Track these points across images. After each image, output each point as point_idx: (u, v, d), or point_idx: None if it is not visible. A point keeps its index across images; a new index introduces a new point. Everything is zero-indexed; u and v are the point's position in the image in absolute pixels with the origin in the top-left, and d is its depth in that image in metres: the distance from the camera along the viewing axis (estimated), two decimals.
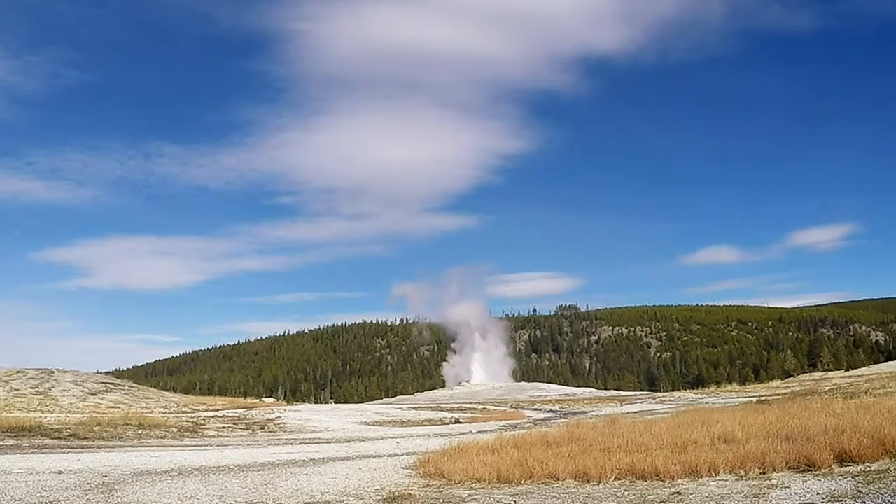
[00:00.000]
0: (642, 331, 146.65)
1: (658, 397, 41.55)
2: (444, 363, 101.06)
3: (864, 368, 51.38)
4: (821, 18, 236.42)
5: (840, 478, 7.11)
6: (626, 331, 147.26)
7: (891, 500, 6.01)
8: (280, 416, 23.76)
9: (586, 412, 29.19)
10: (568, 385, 79.07)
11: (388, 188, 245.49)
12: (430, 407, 36.23)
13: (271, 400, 52.01)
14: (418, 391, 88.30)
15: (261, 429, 20.89)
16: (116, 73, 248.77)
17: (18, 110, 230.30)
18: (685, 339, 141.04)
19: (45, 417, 19.79)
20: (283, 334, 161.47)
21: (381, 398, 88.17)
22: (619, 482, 7.88)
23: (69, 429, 17.23)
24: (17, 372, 32.73)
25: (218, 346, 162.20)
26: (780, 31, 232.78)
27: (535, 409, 34.26)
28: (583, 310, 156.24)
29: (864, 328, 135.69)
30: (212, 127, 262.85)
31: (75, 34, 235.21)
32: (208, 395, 69.14)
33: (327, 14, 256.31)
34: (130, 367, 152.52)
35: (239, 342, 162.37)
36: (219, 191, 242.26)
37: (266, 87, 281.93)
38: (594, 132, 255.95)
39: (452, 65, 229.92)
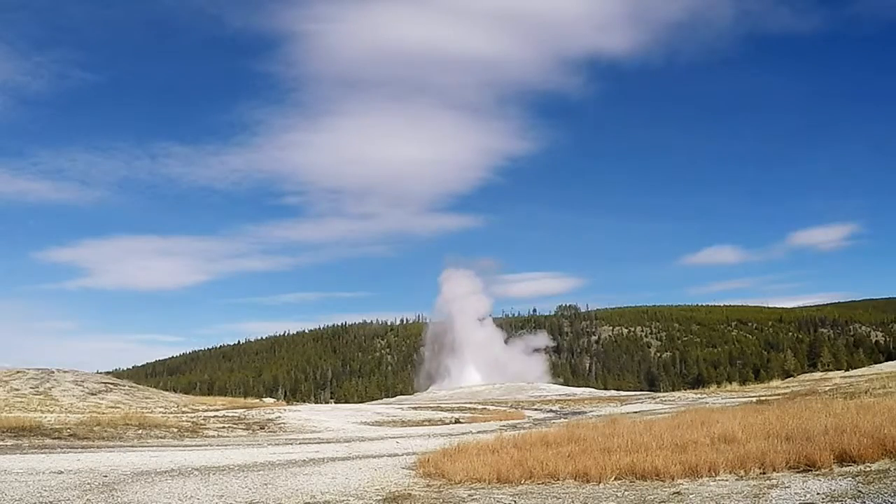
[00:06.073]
0: (642, 331, 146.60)
1: (658, 397, 41.53)
2: (444, 362, 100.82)
3: (864, 368, 51.28)
4: (826, 22, 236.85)
5: (840, 478, 7.12)
6: (626, 331, 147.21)
7: (891, 500, 6.01)
8: (280, 416, 23.75)
9: (586, 412, 29.17)
10: (568, 385, 78.96)
11: (394, 188, 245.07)
12: (430, 407, 36.21)
13: (271, 400, 52.02)
14: (419, 391, 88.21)
15: (261, 429, 20.88)
16: (123, 73, 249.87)
17: (25, 111, 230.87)
18: (685, 339, 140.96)
19: (45, 417, 19.78)
20: (284, 334, 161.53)
21: (381, 398, 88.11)
22: (619, 482, 7.88)
23: (69, 429, 17.23)
24: (17, 372, 32.73)
25: (218, 346, 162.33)
26: (786, 34, 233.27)
27: (535, 409, 34.24)
28: (583, 310, 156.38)
29: (864, 328, 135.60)
30: (218, 127, 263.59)
31: (83, 35, 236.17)
32: (208, 395, 69.10)
33: (334, 15, 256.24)
34: (130, 367, 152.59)
35: (239, 342, 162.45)
36: (224, 191, 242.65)
37: (273, 87, 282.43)
38: (599, 133, 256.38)
39: (460, 66, 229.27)
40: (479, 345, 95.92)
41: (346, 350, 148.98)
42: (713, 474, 7.77)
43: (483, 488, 8.00)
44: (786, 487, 6.89)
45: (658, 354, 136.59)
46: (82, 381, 32.27)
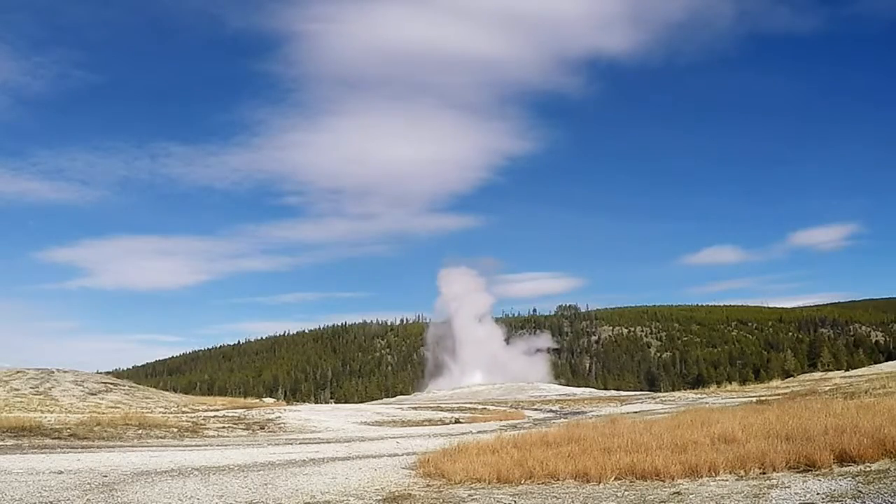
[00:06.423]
0: (642, 331, 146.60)
1: (658, 397, 41.54)
2: (445, 362, 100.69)
3: (864, 368, 51.31)
4: (826, 22, 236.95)
5: (840, 478, 7.12)
6: (626, 331, 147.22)
7: (891, 500, 6.01)
8: (280, 416, 23.75)
9: (586, 412, 29.17)
10: (568, 385, 79.00)
11: (394, 188, 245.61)
12: (430, 407, 36.23)
13: (271, 400, 52.01)
14: (418, 391, 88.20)
15: (261, 429, 20.89)
16: (124, 73, 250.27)
17: (25, 111, 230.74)
18: (685, 339, 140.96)
19: (45, 417, 19.79)
20: (284, 334, 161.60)
21: (381, 398, 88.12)
22: (619, 482, 7.88)
23: (69, 429, 17.23)
24: (17, 372, 32.72)
25: (218, 346, 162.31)
26: (786, 34, 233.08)
27: (535, 409, 34.25)
28: (583, 310, 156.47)
29: (864, 328, 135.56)
30: (218, 127, 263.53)
31: (83, 35, 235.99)
32: (208, 395, 69.16)
33: (335, 15, 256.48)
34: (130, 367, 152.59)
35: (239, 342, 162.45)
36: (225, 191, 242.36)
37: (273, 87, 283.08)
38: (600, 133, 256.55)
39: (460, 66, 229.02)
40: (479, 342, 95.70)
41: (346, 350, 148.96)
42: (713, 474, 7.77)
43: (483, 488, 8.00)
44: (786, 487, 6.89)
45: (658, 354, 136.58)
46: (82, 381, 32.27)
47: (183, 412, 26.32)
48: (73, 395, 29.10)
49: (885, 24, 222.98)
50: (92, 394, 30.02)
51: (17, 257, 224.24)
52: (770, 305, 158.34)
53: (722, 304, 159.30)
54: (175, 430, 19.08)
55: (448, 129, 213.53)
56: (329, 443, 16.47)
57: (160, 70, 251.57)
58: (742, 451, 8.34)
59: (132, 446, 15.30)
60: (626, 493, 7.30)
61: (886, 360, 61.60)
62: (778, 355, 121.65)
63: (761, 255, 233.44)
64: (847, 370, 59.97)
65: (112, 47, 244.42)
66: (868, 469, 7.39)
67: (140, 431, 18.10)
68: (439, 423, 25.41)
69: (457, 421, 25.90)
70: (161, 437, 17.63)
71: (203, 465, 10.93)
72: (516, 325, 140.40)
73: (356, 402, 72.67)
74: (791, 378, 58.27)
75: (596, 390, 71.66)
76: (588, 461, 8.53)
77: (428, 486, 8.37)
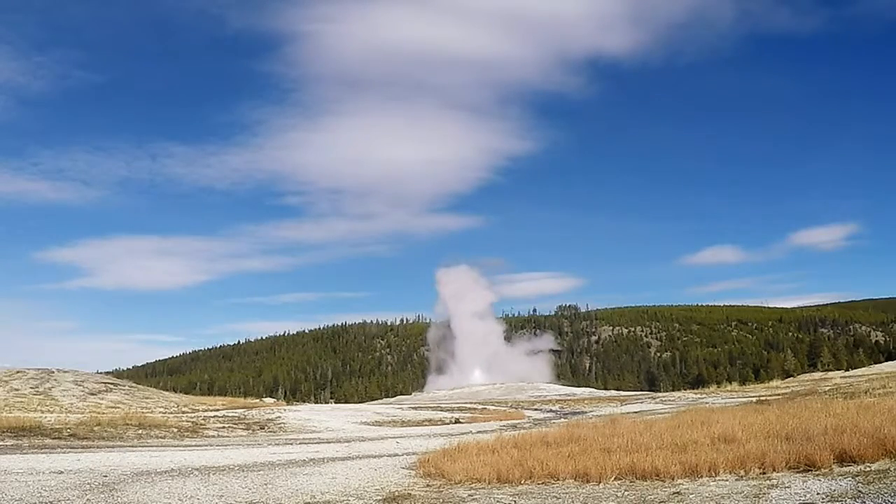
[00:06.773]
0: (642, 331, 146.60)
1: (658, 397, 41.51)
2: (444, 362, 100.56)
3: (864, 368, 51.30)
4: (827, 22, 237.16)
5: (840, 478, 7.11)
6: (626, 331, 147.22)
7: (891, 500, 6.01)
8: (280, 416, 23.75)
9: (586, 412, 29.17)
10: (568, 385, 78.95)
11: (395, 189, 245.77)
12: (430, 407, 36.23)
13: (271, 400, 52.00)
14: (418, 391, 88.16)
15: (261, 429, 20.89)
16: (124, 73, 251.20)
17: (26, 111, 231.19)
18: (685, 339, 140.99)
19: (45, 417, 19.78)
20: (284, 334, 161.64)
21: (381, 398, 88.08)
22: (619, 482, 7.88)
23: (69, 429, 17.22)
24: (17, 372, 32.71)
25: (218, 346, 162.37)
26: (786, 34, 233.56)
27: (535, 409, 34.25)
28: (583, 310, 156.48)
29: (864, 328, 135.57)
30: (219, 127, 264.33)
31: (83, 35, 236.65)
32: (208, 395, 69.12)
33: (335, 15, 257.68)
34: (130, 367, 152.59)
35: (239, 342, 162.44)
36: (225, 191, 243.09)
37: (273, 87, 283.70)
38: (600, 133, 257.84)
39: (461, 66, 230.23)
40: (478, 340, 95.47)
41: (346, 350, 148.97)
42: (713, 474, 7.77)
43: (483, 488, 8.00)
44: (786, 487, 6.89)
45: (658, 354, 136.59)
46: (82, 381, 32.25)
47: (183, 412, 26.31)
48: (73, 395, 29.08)
49: (885, 25, 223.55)
50: (92, 394, 30.00)
51: (17, 257, 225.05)
52: (770, 305, 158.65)
53: (722, 304, 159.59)
54: (175, 430, 19.08)
55: (448, 129, 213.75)
56: (329, 443, 16.47)
57: (160, 70, 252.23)
58: (742, 451, 8.33)
59: (132, 446, 15.29)
60: (626, 493, 7.30)
61: (886, 360, 61.60)
62: (778, 355, 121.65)
63: (761, 255, 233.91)
64: (847, 370, 59.96)
65: (112, 47, 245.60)
66: (868, 469, 7.39)
67: (140, 431, 18.10)
68: (439, 423, 25.41)
69: (457, 421, 25.90)
70: (161, 437, 17.62)
71: (203, 465, 10.93)
72: (516, 325, 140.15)
73: (356, 402, 72.64)
74: (791, 378, 58.26)
75: (596, 390, 71.59)
76: (588, 461, 8.53)
77: (428, 486, 8.37)
